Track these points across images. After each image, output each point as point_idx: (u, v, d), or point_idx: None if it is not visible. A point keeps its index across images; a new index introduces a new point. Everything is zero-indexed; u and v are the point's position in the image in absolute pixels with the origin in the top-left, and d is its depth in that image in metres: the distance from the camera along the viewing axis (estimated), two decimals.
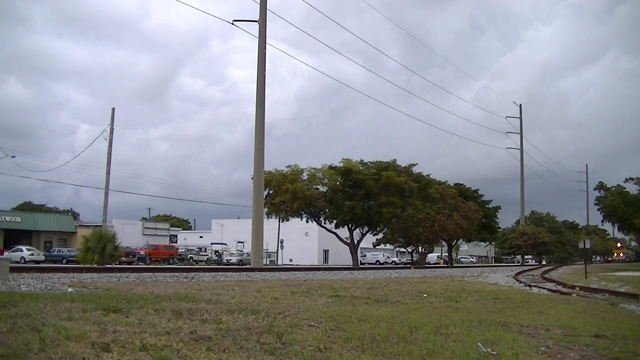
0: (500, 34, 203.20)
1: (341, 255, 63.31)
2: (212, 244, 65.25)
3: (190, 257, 59.15)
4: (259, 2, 34.01)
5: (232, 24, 33.32)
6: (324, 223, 47.13)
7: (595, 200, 62.84)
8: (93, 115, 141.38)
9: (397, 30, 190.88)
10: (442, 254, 73.42)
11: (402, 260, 70.50)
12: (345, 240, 46.32)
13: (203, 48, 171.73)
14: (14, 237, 57.88)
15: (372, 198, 42.97)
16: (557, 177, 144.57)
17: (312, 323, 6.52)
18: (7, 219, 58.33)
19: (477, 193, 63.57)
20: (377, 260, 68.47)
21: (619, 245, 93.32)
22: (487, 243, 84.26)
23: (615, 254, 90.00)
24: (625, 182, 58.69)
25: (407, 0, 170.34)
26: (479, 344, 5.59)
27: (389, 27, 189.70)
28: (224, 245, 63.05)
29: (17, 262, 35.87)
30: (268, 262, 58.54)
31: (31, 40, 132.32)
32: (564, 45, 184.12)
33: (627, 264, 70.99)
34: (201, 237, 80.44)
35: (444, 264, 61.70)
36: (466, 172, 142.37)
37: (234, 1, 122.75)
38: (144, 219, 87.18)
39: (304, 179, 43.25)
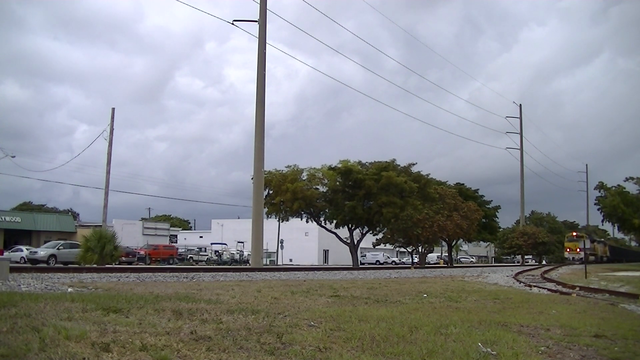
0: (497, 34, 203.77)
1: (341, 255, 63.32)
2: (212, 244, 65.27)
3: (190, 257, 59.15)
4: (258, 2, 34.03)
5: (232, 24, 33.35)
6: (324, 223, 47.13)
7: (595, 200, 62.83)
8: (91, 116, 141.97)
9: (394, 31, 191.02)
10: (442, 254, 73.42)
11: (402, 260, 70.51)
12: (345, 240, 46.31)
13: (199, 49, 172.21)
14: (14, 237, 57.86)
15: (372, 198, 42.96)
16: (556, 177, 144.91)
17: (312, 323, 6.52)
18: (7, 219, 58.32)
19: (477, 193, 63.58)
20: (377, 260, 68.49)
21: (574, 234, 63.18)
22: (488, 243, 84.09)
23: (568, 250, 60.51)
24: (625, 181, 58.66)
25: (404, 1, 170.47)
26: (479, 344, 5.59)
27: (386, 28, 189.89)
28: (224, 245, 63.08)
29: (17, 262, 35.88)
30: (268, 262, 58.58)
31: (27, 42, 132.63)
32: (559, 46, 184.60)
33: (597, 264, 53.37)
34: (201, 237, 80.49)
35: (444, 264, 61.71)
36: (464, 172, 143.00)
37: (229, 3, 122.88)
38: (144, 219, 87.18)
39: (303, 179, 43.26)
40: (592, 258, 58.38)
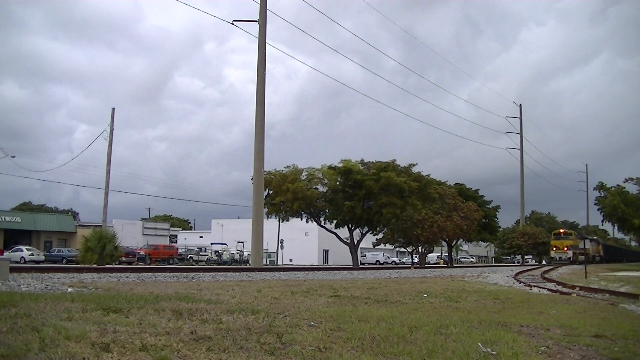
0: (496, 34, 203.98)
1: (341, 255, 63.35)
2: (212, 244, 65.30)
3: (190, 257, 59.19)
4: (258, 2, 34.04)
5: (232, 24, 33.39)
6: (324, 223, 47.14)
7: (595, 200, 62.85)
8: (90, 116, 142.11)
9: (394, 31, 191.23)
10: (442, 254, 73.45)
11: (402, 260, 70.52)
12: (345, 240, 46.32)
13: (198, 49, 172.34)
14: (14, 237, 57.91)
15: (372, 198, 42.98)
16: (555, 176, 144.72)
17: (312, 323, 6.52)
18: (7, 219, 58.37)
19: (478, 193, 63.60)
20: (377, 261, 68.52)
21: (561, 231, 58.44)
22: (488, 243, 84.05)
23: (554, 249, 55.21)
24: (624, 182, 58.70)
25: (403, 1, 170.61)
26: (479, 344, 5.58)
27: (385, 28, 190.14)
28: (224, 245, 63.10)
29: (17, 262, 35.90)
30: (268, 262, 58.60)
31: (27, 42, 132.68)
32: (557, 47, 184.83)
33: (590, 264, 39.70)
34: (201, 237, 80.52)
35: (443, 264, 61.73)
36: (463, 172, 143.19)
37: (228, 3, 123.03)
38: (144, 219, 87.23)
39: (303, 179, 43.29)
40: (582, 258, 51.47)
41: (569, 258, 52.59)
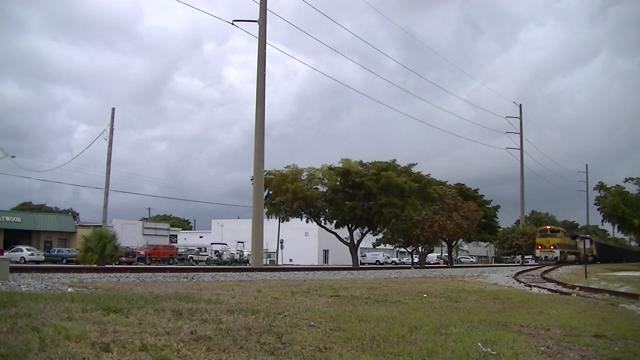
0: (495, 34, 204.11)
1: (341, 255, 63.36)
2: (212, 244, 65.32)
3: (190, 257, 59.20)
4: (258, 2, 34.03)
5: (232, 24, 33.37)
6: (324, 223, 47.14)
7: (595, 200, 62.83)
8: (90, 116, 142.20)
9: (393, 31, 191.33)
10: (442, 254, 73.42)
11: (402, 260, 70.51)
12: (345, 240, 46.32)
13: (198, 50, 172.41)
14: (14, 237, 57.92)
15: (372, 198, 43.00)
16: (555, 176, 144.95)
17: (312, 323, 6.52)
18: (7, 219, 58.38)
19: (477, 193, 63.62)
20: (377, 260, 68.54)
21: (547, 228, 53.58)
22: (487, 243, 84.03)
23: (540, 247, 50.31)
24: (624, 182, 58.68)
25: (403, 1, 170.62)
26: (479, 344, 5.58)
27: (385, 28, 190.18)
28: (224, 245, 63.12)
29: (17, 262, 35.92)
30: (268, 262, 58.62)
31: (26, 42, 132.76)
32: (557, 47, 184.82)
33: (582, 264, 37.59)
34: (201, 237, 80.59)
35: (443, 263, 61.70)
36: (463, 172, 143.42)
37: (228, 3, 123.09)
38: (144, 219, 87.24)
39: (303, 179, 43.30)
40: (572, 257, 50.55)
41: (556, 258, 48.27)
